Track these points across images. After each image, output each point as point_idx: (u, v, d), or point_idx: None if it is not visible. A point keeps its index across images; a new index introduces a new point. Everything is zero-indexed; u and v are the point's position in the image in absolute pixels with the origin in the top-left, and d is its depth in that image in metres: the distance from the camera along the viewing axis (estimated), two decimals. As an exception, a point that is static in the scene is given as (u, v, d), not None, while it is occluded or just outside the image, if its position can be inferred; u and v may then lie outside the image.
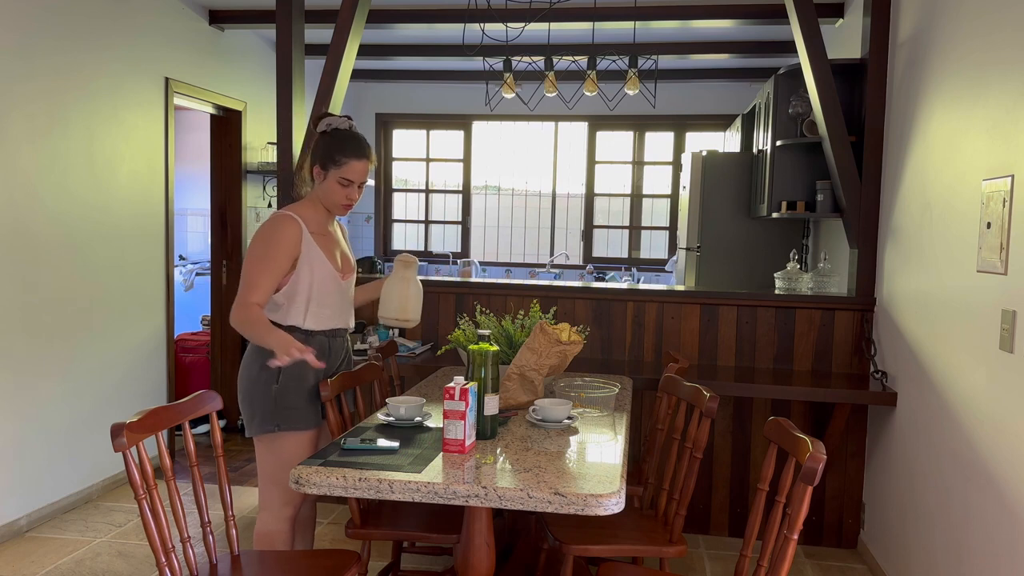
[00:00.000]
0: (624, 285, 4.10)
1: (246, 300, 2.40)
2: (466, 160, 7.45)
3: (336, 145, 2.51)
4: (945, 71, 2.88)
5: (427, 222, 7.59)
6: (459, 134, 7.46)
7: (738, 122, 5.62)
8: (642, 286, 4.08)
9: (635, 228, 7.22)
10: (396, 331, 3.96)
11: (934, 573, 2.78)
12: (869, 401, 3.29)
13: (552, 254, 7.31)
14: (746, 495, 3.77)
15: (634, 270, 7.03)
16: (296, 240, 2.47)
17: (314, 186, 2.56)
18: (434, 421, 2.44)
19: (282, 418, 2.49)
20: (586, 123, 7.16)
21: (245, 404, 2.53)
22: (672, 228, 7.05)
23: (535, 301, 3.45)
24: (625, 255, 7.24)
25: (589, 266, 7.11)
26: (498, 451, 2.14)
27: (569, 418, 2.45)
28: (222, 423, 5.38)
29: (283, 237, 2.45)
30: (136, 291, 4.41)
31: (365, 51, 5.75)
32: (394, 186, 7.62)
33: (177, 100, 4.77)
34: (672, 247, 7.04)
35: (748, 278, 5.07)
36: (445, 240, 7.57)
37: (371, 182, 7.01)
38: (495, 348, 2.28)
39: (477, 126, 7.41)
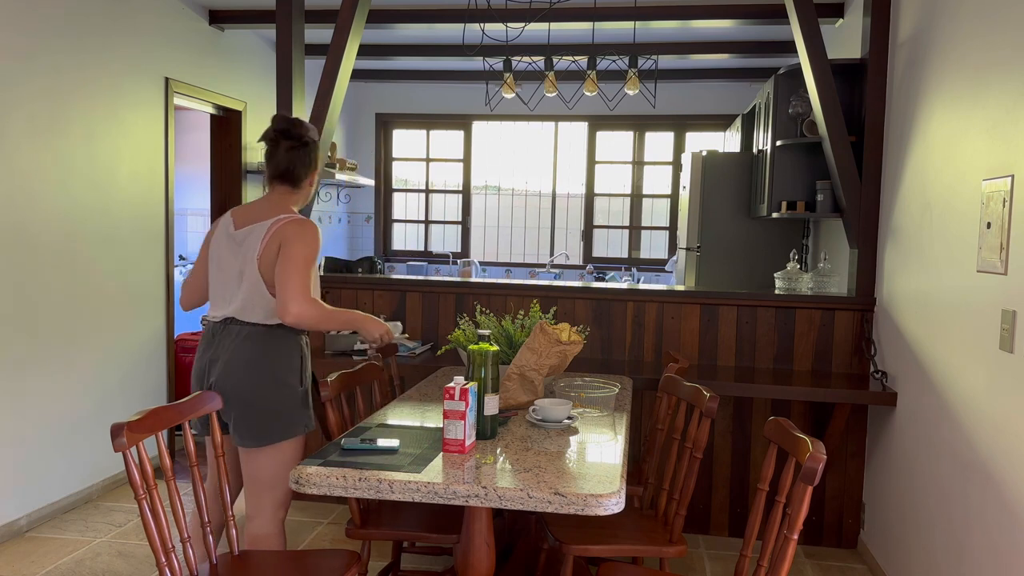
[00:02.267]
0: (624, 285, 4.10)
1: (311, 298, 2.39)
2: (466, 160, 7.45)
3: (319, 152, 2.64)
4: (945, 71, 2.88)
5: (427, 222, 7.59)
6: (459, 134, 7.46)
7: (738, 122, 5.62)
8: (642, 286, 4.08)
9: (635, 228, 7.22)
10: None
11: (934, 573, 2.78)
12: (869, 401, 3.29)
13: (552, 254, 7.31)
14: (746, 495, 3.77)
15: (634, 270, 7.03)
16: None
17: (302, 192, 2.61)
18: (434, 421, 2.44)
19: (308, 418, 2.51)
20: (586, 123, 7.16)
21: (268, 411, 2.43)
22: (672, 228, 7.05)
23: (535, 301, 3.45)
24: (625, 255, 7.24)
25: (589, 266, 7.11)
26: (498, 451, 2.14)
27: (569, 418, 2.45)
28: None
29: (319, 243, 2.48)
30: (136, 291, 4.41)
31: (365, 51, 5.74)
32: (394, 186, 7.62)
33: (177, 100, 4.77)
34: (672, 247, 7.04)
35: (748, 278, 5.07)
36: (445, 240, 7.57)
37: (371, 182, 7.03)
38: (495, 348, 2.28)
39: (477, 126, 7.41)
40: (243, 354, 2.44)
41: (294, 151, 2.53)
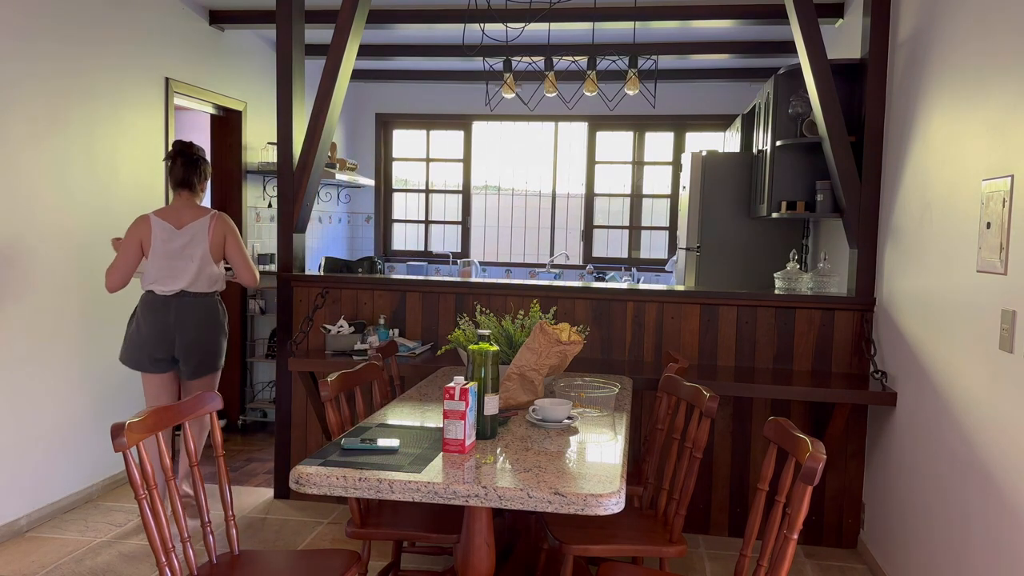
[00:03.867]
0: (624, 285, 4.10)
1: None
2: (466, 160, 7.45)
3: (208, 167, 3.69)
4: (945, 71, 2.88)
5: (427, 222, 7.59)
6: (459, 134, 7.46)
7: (738, 122, 5.62)
8: (642, 286, 4.08)
9: (635, 228, 7.22)
10: (396, 331, 3.97)
11: (934, 573, 2.79)
12: (869, 401, 3.29)
13: (552, 254, 7.31)
14: (746, 495, 3.77)
15: (634, 270, 7.03)
16: None
17: (199, 196, 3.64)
18: (434, 421, 2.44)
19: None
20: (586, 123, 7.16)
21: (218, 350, 3.62)
22: (672, 228, 7.05)
23: (535, 301, 3.45)
24: (625, 255, 7.24)
25: (589, 266, 7.11)
26: (498, 451, 2.14)
27: (569, 418, 2.45)
28: (222, 423, 5.38)
29: None
30: (137, 291, 4.40)
31: (365, 51, 5.74)
32: (394, 186, 7.62)
33: (177, 100, 4.77)
34: (672, 247, 7.04)
35: (748, 278, 5.07)
36: (445, 240, 7.57)
37: (371, 182, 7.03)
38: (495, 348, 2.28)
39: (477, 126, 7.41)
40: (203, 315, 3.55)
41: (187, 166, 3.57)
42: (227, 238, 3.58)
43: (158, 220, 3.52)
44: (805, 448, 1.81)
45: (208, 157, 3.79)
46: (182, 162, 3.56)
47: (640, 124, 7.07)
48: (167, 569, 1.93)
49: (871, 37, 3.57)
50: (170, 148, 3.64)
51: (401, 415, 2.53)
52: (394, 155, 7.60)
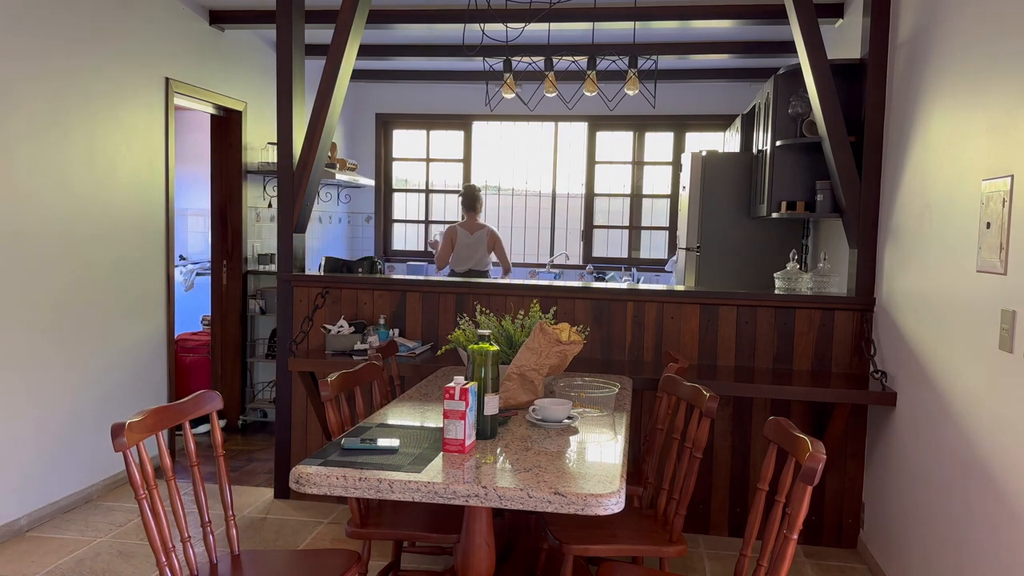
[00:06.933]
0: (624, 285, 4.11)
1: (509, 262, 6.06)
2: (466, 160, 7.45)
3: (482, 198, 6.05)
4: (945, 71, 2.88)
5: (427, 222, 7.59)
6: (459, 134, 7.46)
7: (738, 122, 5.62)
8: (642, 286, 4.08)
9: (635, 228, 7.22)
10: (396, 331, 3.97)
11: (934, 573, 2.79)
12: (869, 401, 3.29)
13: (552, 254, 7.31)
14: (746, 495, 3.77)
15: (634, 270, 7.03)
16: None
17: (478, 213, 5.93)
18: (434, 421, 2.44)
19: None
20: (586, 123, 7.16)
21: None
22: (672, 228, 7.05)
23: (535, 301, 3.45)
24: (625, 255, 7.25)
25: (589, 266, 7.11)
26: (498, 451, 2.14)
27: (569, 418, 2.45)
28: (222, 423, 5.38)
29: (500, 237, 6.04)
30: (136, 291, 4.41)
31: (365, 51, 5.74)
32: (394, 186, 7.62)
33: (177, 100, 4.77)
34: (672, 247, 7.04)
35: (748, 278, 5.07)
36: (445, 240, 7.56)
37: (371, 182, 7.04)
38: (495, 348, 2.28)
39: (477, 126, 7.41)
40: None
41: (468, 199, 5.88)
42: (495, 242, 5.86)
43: (460, 228, 5.80)
44: (805, 448, 1.81)
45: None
46: (467, 198, 5.87)
47: (640, 124, 7.07)
48: (167, 569, 1.93)
49: (871, 37, 3.57)
50: (465, 191, 5.94)
51: (401, 415, 2.53)
52: (394, 155, 7.60)
